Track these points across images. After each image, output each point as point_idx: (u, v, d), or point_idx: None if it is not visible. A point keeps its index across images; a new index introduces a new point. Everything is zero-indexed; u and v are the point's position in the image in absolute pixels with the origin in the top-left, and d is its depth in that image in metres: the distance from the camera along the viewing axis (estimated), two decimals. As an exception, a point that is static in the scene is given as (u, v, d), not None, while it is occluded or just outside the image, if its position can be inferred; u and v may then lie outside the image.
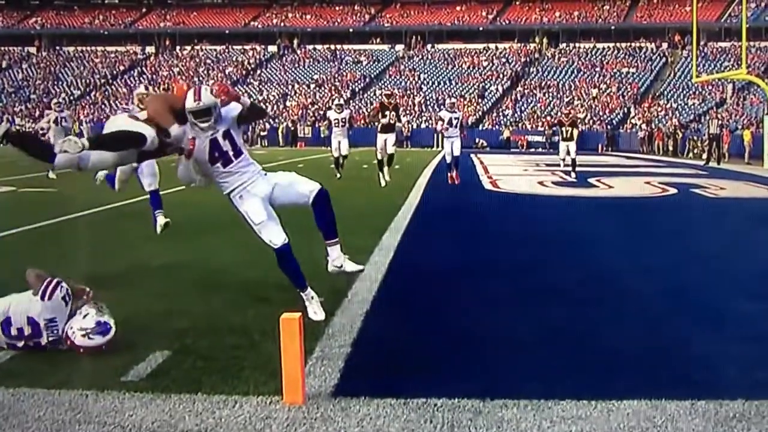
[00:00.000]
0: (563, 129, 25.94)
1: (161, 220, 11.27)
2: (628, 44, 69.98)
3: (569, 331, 6.52)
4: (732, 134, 44.05)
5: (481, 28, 74.38)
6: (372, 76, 71.12)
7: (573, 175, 24.49)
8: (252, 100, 7.32)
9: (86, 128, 34.67)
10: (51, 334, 5.71)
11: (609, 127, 58.30)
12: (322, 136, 52.20)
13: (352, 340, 6.13)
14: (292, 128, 61.31)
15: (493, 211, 16.37)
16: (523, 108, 63.24)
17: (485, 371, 5.46)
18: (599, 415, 4.61)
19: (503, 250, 10.95)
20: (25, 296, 5.84)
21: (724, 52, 64.69)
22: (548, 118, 56.04)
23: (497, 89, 66.55)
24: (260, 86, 70.05)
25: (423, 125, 60.27)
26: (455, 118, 21.25)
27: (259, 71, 74.29)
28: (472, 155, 39.05)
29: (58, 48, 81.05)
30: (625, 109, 61.08)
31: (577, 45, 71.89)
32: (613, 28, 71.36)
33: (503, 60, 71.14)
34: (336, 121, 22.27)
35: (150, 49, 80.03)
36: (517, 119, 61.57)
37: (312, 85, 70.40)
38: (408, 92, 66.28)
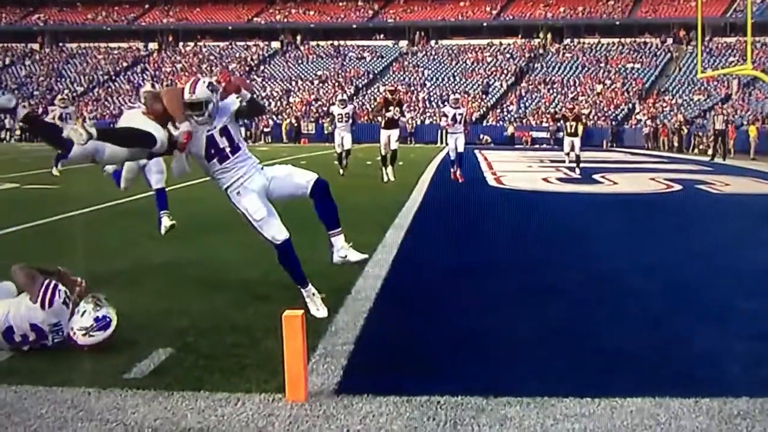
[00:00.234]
0: (567, 124, 25.89)
1: (166, 222, 11.21)
2: (633, 40, 69.79)
3: (573, 328, 6.51)
4: (737, 130, 43.89)
5: (484, 24, 74.24)
6: (375, 72, 71.02)
7: (577, 171, 24.44)
8: (253, 95, 7.28)
9: (89, 125, 34.70)
10: (56, 336, 5.69)
11: (613, 122, 58.15)
12: (325, 132, 52.18)
13: (355, 338, 6.13)
14: (296, 125, 61.24)
15: (497, 208, 16.35)
16: (527, 104, 63.11)
17: (488, 369, 5.45)
18: (602, 412, 4.60)
19: (507, 247, 10.93)
20: (21, 303, 5.74)
21: (729, 47, 64.53)
22: (552, 111, 55.78)
23: (501, 85, 66.42)
24: (263, 82, 69.97)
25: (427, 121, 60.19)
26: (459, 114, 21.08)
27: (262, 67, 74.21)
28: (476, 151, 39.00)
29: (60, 44, 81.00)
30: (630, 105, 60.93)
31: (581, 40, 71.71)
32: (617, 23, 71.18)
33: (507, 56, 70.99)
34: (339, 116, 22.22)
35: (153, 46, 79.95)
36: (522, 115, 61.46)
37: (315, 82, 70.30)
38: (411, 88, 66.18)
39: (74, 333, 5.69)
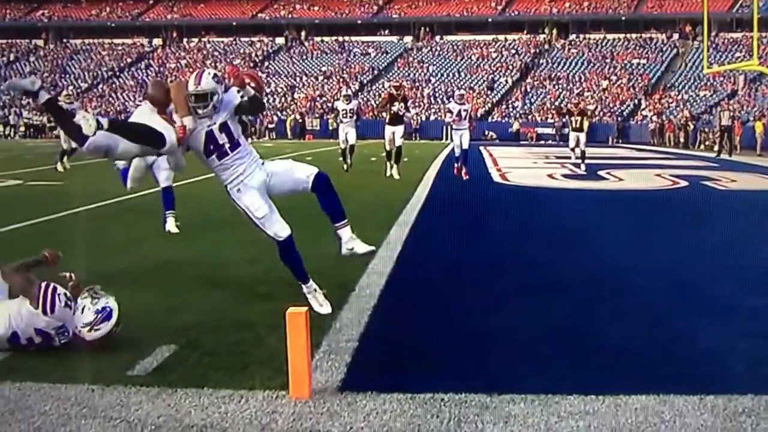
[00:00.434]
0: (572, 119, 25.79)
1: (172, 225, 11.19)
2: (639, 35, 69.71)
3: (577, 326, 6.50)
4: (743, 126, 43.86)
5: (489, 20, 74.17)
6: (380, 68, 71.02)
7: (582, 167, 24.41)
8: (262, 90, 7.25)
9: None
10: (63, 337, 5.65)
11: (619, 119, 58.09)
12: (330, 128, 52.17)
13: (359, 335, 6.12)
14: (300, 121, 61.27)
15: (502, 205, 16.33)
16: (532, 100, 63.09)
17: (492, 366, 5.44)
18: (607, 410, 4.59)
19: (511, 245, 10.92)
20: (22, 306, 5.64)
21: (735, 42, 64.40)
22: (557, 106, 55.61)
23: (506, 81, 66.38)
24: (268, 78, 69.94)
25: (432, 117, 60.18)
26: (464, 110, 20.94)
27: (266, 63, 74.21)
28: (482, 147, 38.98)
29: (65, 41, 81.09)
30: (636, 101, 60.87)
31: (586, 36, 71.65)
32: (623, 18, 71.09)
33: (512, 51, 70.94)
34: (344, 111, 22.17)
35: (157, 42, 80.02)
36: (527, 111, 61.42)
37: (320, 78, 70.33)
38: (416, 84, 66.18)
39: (80, 331, 5.67)
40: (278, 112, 62.93)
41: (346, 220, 6.88)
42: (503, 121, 60.27)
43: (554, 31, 72.53)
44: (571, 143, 26.08)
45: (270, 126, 60.74)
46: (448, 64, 70.31)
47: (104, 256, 9.40)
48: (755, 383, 4.93)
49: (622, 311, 6.99)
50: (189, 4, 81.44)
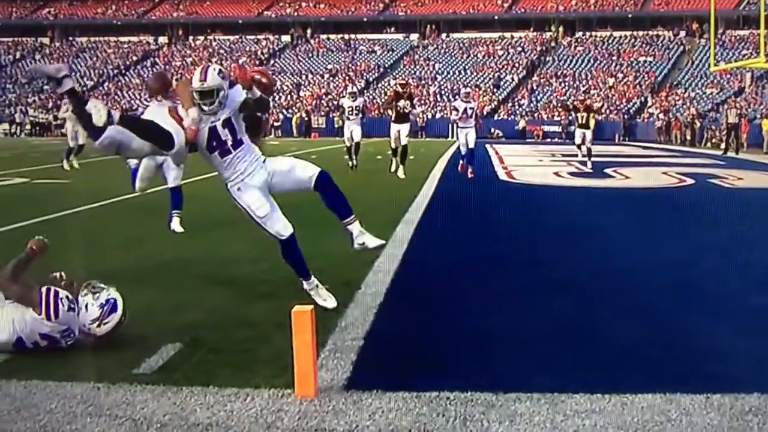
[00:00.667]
0: (578, 115, 25.71)
1: (176, 225, 11.18)
2: (645, 33, 69.60)
3: (583, 324, 6.49)
4: (750, 123, 43.75)
5: (496, 17, 74.12)
6: (386, 65, 70.98)
7: (589, 164, 24.36)
8: (272, 89, 7.22)
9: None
10: (69, 339, 5.61)
11: (626, 116, 58.02)
12: (335, 126, 52.15)
13: (365, 333, 6.11)
14: (306, 119, 61.25)
15: (508, 203, 16.33)
16: (538, 97, 63.03)
17: (498, 365, 5.44)
18: (613, 408, 4.58)
19: (517, 243, 10.90)
20: (27, 313, 5.56)
21: (742, 40, 64.27)
22: (563, 101, 55.45)
23: (512, 79, 66.32)
24: (274, 76, 69.81)
25: (438, 115, 60.13)
26: (470, 108, 20.81)
27: (272, 61, 74.21)
28: (487, 145, 38.95)
29: (70, 38, 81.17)
30: (642, 99, 60.79)
31: (593, 33, 71.55)
32: (629, 16, 70.99)
33: (518, 49, 70.88)
34: (350, 109, 22.12)
35: (163, 40, 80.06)
36: (533, 109, 61.37)
37: (326, 75, 70.31)
38: (422, 82, 66.13)
39: (89, 329, 5.65)
40: (284, 110, 62.93)
41: (353, 216, 6.86)
42: (509, 118, 60.22)
43: (561, 29, 72.45)
44: (577, 140, 26.02)
45: (276, 124, 60.69)
46: (454, 62, 70.26)
47: (108, 254, 9.42)
48: (762, 382, 4.92)
49: (628, 310, 6.97)
50: (195, 2, 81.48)
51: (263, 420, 4.46)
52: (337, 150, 28.63)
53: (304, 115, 61.73)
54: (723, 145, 37.35)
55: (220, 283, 7.92)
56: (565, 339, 6.04)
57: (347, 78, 66.73)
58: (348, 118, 22.29)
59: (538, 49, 70.59)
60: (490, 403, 4.67)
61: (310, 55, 75.03)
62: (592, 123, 25.78)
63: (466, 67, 69.09)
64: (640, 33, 69.58)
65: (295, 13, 79.01)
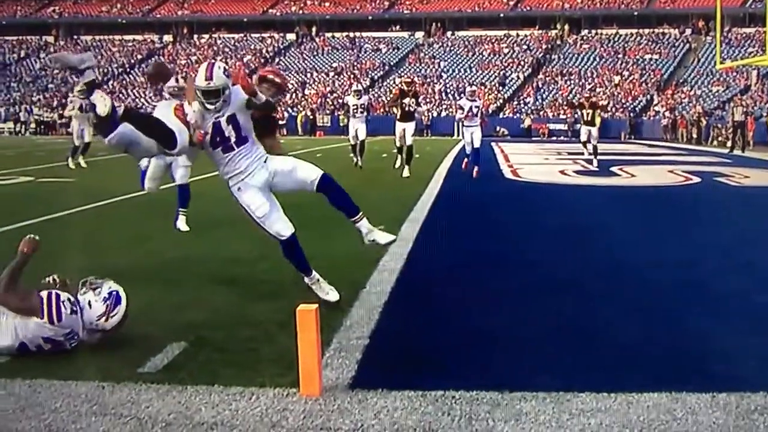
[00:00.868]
0: (584, 112, 25.61)
1: (182, 223, 11.17)
2: (651, 30, 69.58)
3: (588, 323, 6.48)
4: (756, 121, 43.67)
5: (501, 15, 74.14)
6: (391, 63, 71.01)
7: (595, 163, 24.32)
8: (283, 90, 7.18)
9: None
10: (73, 341, 5.56)
11: (632, 114, 58.01)
12: (341, 124, 52.16)
13: (370, 332, 6.10)
14: (311, 117, 61.28)
15: (514, 202, 16.31)
16: (544, 96, 63.00)
17: (503, 364, 5.43)
18: (619, 407, 4.57)
19: (523, 242, 10.88)
20: (30, 319, 5.48)
21: (748, 38, 64.23)
22: (568, 99, 55.38)
23: (518, 77, 66.32)
24: (287, 75, 70.02)
25: (443, 113, 60.13)
26: (475, 107, 20.64)
27: (277, 59, 74.24)
28: (493, 143, 38.93)
29: (75, 37, 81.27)
30: (648, 97, 60.76)
31: (599, 31, 71.54)
32: (635, 14, 70.98)
33: (524, 47, 70.88)
34: (354, 107, 22.07)
35: (167, 38, 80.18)
36: (539, 107, 61.35)
37: (331, 74, 70.34)
38: (428, 80, 66.15)
39: (97, 325, 5.62)
40: (289, 109, 62.94)
41: (360, 213, 6.87)
42: (515, 117, 60.21)
43: (566, 27, 72.44)
44: (583, 137, 25.92)
45: (281, 122, 60.70)
46: (460, 60, 70.25)
47: (113, 252, 9.43)
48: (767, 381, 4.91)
49: (633, 308, 6.96)
50: (199, 0, 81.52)
51: (268, 419, 4.46)
52: (343, 148, 28.64)
53: (309, 113, 61.77)
54: (729, 143, 37.29)
55: (225, 281, 7.91)
56: (571, 338, 6.03)
57: (352, 76, 66.75)
58: (353, 116, 22.25)
59: (544, 47, 70.59)
60: (496, 402, 4.66)
61: (315, 53, 75.07)
62: (597, 120, 25.69)
63: (472, 65, 69.09)
64: (646, 31, 69.56)
65: (300, 11, 79.06)
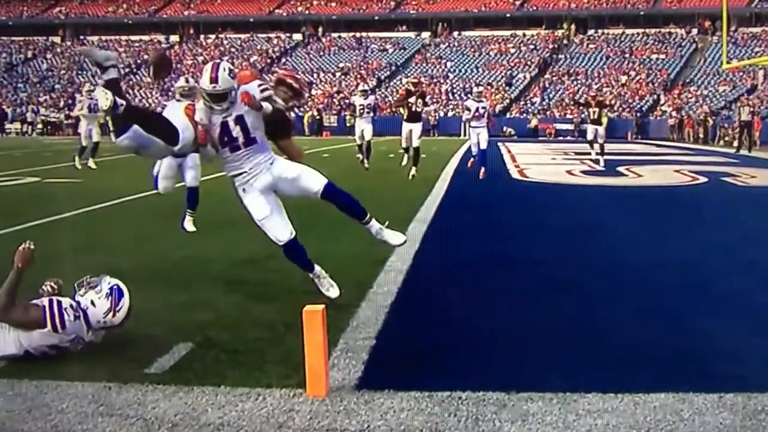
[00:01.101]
0: (590, 110, 25.52)
1: (189, 224, 11.18)
2: (658, 30, 69.43)
3: (595, 323, 6.48)
4: (763, 121, 43.63)
5: (508, 15, 74.02)
6: (398, 64, 70.92)
7: (602, 162, 24.29)
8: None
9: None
10: (79, 345, 5.53)
11: (638, 114, 57.87)
12: (347, 125, 52.14)
13: (377, 333, 6.11)
14: (318, 117, 61.26)
15: (521, 202, 16.30)
16: (551, 96, 62.91)
17: (510, 364, 5.43)
18: (625, 408, 4.57)
19: (530, 241, 10.88)
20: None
21: (754, 37, 64.11)
22: (574, 99, 55.23)
23: (525, 77, 66.20)
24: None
25: (450, 113, 60.08)
26: (482, 108, 20.42)
27: (283, 60, 74.20)
28: (500, 143, 38.91)
29: (82, 37, 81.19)
30: (655, 96, 60.62)
31: (605, 31, 71.40)
32: (642, 13, 70.85)
33: (531, 47, 70.78)
34: (361, 107, 21.99)
35: (174, 38, 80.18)
36: (545, 107, 61.27)
37: (337, 74, 70.27)
38: (434, 80, 66.06)
39: (105, 322, 5.60)
40: (295, 109, 62.87)
41: (368, 216, 6.89)
42: (521, 117, 60.11)
43: (573, 27, 72.31)
44: (589, 135, 25.83)
45: (287, 122, 60.60)
46: (466, 60, 70.16)
47: (120, 252, 9.44)
48: (775, 381, 4.90)
49: (639, 308, 6.95)
50: (206, 0, 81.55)
51: (275, 420, 4.46)
52: (350, 148, 28.63)
53: (315, 113, 61.72)
54: (736, 143, 37.22)
55: (232, 282, 7.91)
56: (578, 338, 6.02)
57: (359, 76, 66.67)
58: (359, 117, 22.18)
59: (550, 46, 70.46)
60: (502, 402, 4.66)
61: (322, 53, 75.03)
62: (604, 119, 25.60)
63: (478, 65, 69.00)
64: (653, 31, 69.40)
65: (307, 12, 79.03)
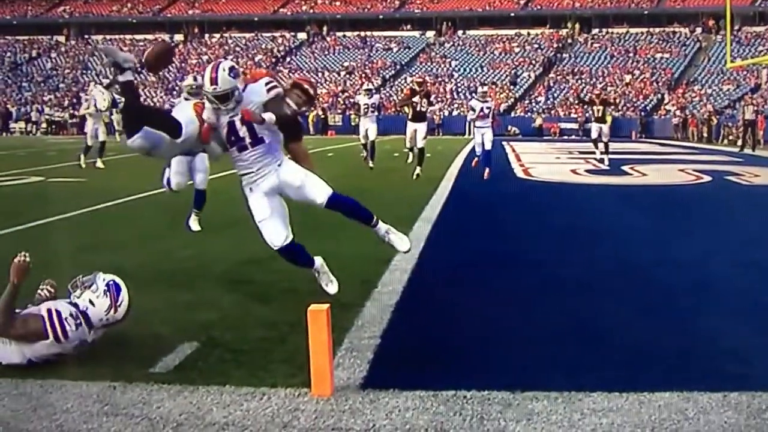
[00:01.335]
0: (594, 108, 25.45)
1: (194, 223, 11.18)
2: (662, 29, 69.39)
3: (600, 322, 6.47)
4: (767, 120, 43.54)
5: (512, 14, 74.00)
6: (402, 63, 70.93)
7: (606, 160, 24.26)
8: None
9: (117, 118, 34.48)
10: (83, 346, 5.49)
11: (642, 113, 57.84)
12: (352, 124, 52.13)
13: (382, 332, 6.10)
14: (323, 116, 61.24)
15: (525, 201, 16.28)
16: (555, 95, 62.88)
17: (515, 363, 5.42)
18: (630, 407, 4.57)
19: (534, 240, 10.87)
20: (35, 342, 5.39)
21: (758, 36, 64.06)
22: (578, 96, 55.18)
23: (529, 76, 66.19)
24: (290, 74, 69.93)
25: (454, 113, 60.06)
26: (487, 108, 20.23)
27: (288, 59, 74.24)
28: (504, 143, 38.88)
29: (86, 36, 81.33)
30: (659, 96, 60.58)
31: (609, 30, 71.37)
32: (646, 13, 70.79)
33: (535, 46, 70.73)
34: (365, 106, 21.96)
35: (178, 37, 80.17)
36: (550, 106, 61.24)
37: (342, 73, 70.29)
38: (439, 79, 66.05)
39: (108, 319, 5.57)
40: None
41: (375, 219, 6.87)
42: (526, 116, 60.09)
43: (577, 26, 72.27)
44: (593, 134, 25.78)
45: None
46: (471, 59, 70.12)
47: (125, 252, 9.44)
48: (780, 380, 4.90)
49: (644, 308, 6.94)
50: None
51: (279, 419, 4.46)
52: (354, 148, 28.61)
53: (320, 112, 61.69)
54: (740, 142, 37.16)
55: (237, 282, 7.91)
56: (582, 337, 6.02)
57: (363, 75, 66.67)
58: (364, 116, 22.14)
59: (555, 46, 70.44)
60: (507, 401, 4.66)
61: (326, 52, 75.04)
62: (608, 117, 25.54)
63: (483, 64, 68.97)
64: (656, 30, 69.36)
65: (311, 11, 79.04)
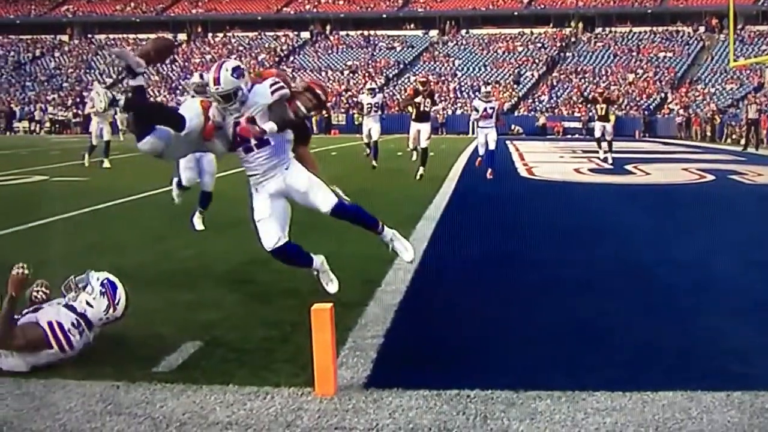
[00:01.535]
0: (598, 107, 25.37)
1: (198, 222, 11.18)
2: (665, 28, 69.31)
3: (603, 321, 6.47)
4: (770, 119, 43.48)
5: (515, 13, 73.94)
6: (406, 62, 70.89)
7: (610, 158, 24.23)
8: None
9: (121, 117, 34.35)
10: (88, 346, 5.49)
11: (646, 112, 57.77)
12: (356, 123, 52.13)
13: (385, 331, 6.10)
14: (326, 115, 61.17)
15: (529, 200, 16.26)
16: (558, 94, 62.83)
17: (518, 363, 5.42)
18: (634, 406, 4.57)
19: (537, 240, 10.86)
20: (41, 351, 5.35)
21: (761, 35, 63.94)
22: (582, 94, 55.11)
23: (532, 75, 66.13)
24: (293, 73, 69.89)
25: (458, 112, 60.03)
26: (490, 108, 19.96)
27: (291, 58, 74.21)
28: (508, 142, 38.86)
29: (90, 36, 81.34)
30: (662, 95, 60.50)
31: (612, 29, 71.28)
32: (649, 12, 70.70)
33: (538, 45, 70.66)
34: (368, 105, 21.93)
35: (182, 37, 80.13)
36: (553, 105, 61.20)
37: (345, 72, 70.25)
38: (442, 78, 66.01)
39: (107, 318, 5.57)
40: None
41: (380, 225, 6.85)
42: (529, 115, 60.04)
43: (580, 25, 72.20)
44: (597, 133, 25.67)
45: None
46: (474, 58, 70.09)
47: (128, 251, 9.45)
48: (783, 380, 4.90)
49: (647, 307, 6.94)
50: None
51: (283, 419, 4.46)
52: (357, 147, 28.62)
53: (324, 111, 61.65)
54: (743, 141, 37.12)
55: (240, 281, 7.92)
56: (585, 337, 6.02)
57: (367, 74, 66.64)
58: (367, 115, 22.11)
59: (558, 45, 70.37)
60: (511, 401, 4.66)
61: (330, 51, 75.00)
62: (612, 116, 25.50)
63: (486, 63, 68.93)
64: (660, 29, 69.28)
65: (315, 10, 79.00)
